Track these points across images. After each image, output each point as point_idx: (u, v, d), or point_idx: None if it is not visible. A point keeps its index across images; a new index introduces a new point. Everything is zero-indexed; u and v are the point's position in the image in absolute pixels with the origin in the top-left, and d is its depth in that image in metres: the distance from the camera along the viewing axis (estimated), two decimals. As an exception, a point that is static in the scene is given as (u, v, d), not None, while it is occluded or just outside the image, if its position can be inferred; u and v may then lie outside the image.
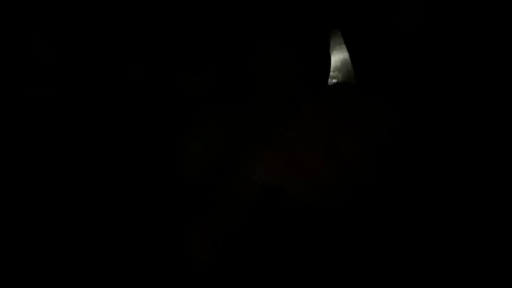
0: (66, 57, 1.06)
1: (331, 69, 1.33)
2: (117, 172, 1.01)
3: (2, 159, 1.00)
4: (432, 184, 0.97)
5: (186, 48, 1.11)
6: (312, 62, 1.14)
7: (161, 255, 0.97)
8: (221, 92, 1.09)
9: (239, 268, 0.87)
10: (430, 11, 1.14)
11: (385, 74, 1.18)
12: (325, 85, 1.18)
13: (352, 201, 0.88)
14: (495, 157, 0.98)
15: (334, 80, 1.34)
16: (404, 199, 0.95)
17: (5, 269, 0.95)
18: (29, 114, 1.03)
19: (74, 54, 1.07)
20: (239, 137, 1.01)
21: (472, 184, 0.97)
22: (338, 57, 1.39)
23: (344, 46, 1.35)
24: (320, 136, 0.89)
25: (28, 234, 0.96)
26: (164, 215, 1.01)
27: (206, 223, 0.89)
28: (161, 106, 1.07)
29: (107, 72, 1.08)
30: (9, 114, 1.02)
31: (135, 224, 0.99)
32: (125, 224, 0.99)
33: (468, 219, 0.96)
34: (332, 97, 0.95)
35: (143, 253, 0.97)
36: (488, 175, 0.97)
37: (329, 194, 0.87)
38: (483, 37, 1.08)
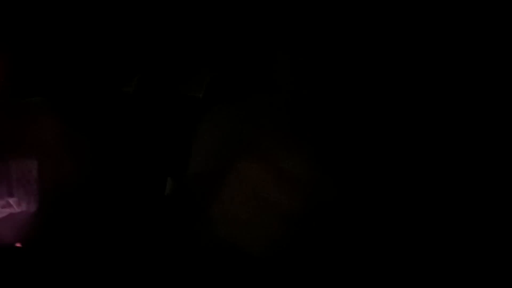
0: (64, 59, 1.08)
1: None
2: (122, 172, 1.04)
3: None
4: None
5: (185, 53, 1.13)
6: (321, 64, 1.15)
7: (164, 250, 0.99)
8: (220, 96, 1.10)
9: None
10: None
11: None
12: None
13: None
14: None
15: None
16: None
17: (6, 268, 0.96)
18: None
19: (72, 57, 1.08)
20: (235, 141, 1.04)
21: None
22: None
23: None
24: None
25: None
26: (165, 213, 1.03)
27: None
28: (163, 109, 1.10)
29: (110, 77, 1.10)
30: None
31: (140, 221, 1.01)
32: (129, 221, 1.01)
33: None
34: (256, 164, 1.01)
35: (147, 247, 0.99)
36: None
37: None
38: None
